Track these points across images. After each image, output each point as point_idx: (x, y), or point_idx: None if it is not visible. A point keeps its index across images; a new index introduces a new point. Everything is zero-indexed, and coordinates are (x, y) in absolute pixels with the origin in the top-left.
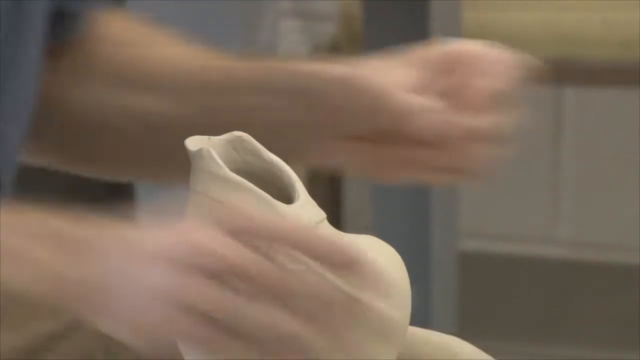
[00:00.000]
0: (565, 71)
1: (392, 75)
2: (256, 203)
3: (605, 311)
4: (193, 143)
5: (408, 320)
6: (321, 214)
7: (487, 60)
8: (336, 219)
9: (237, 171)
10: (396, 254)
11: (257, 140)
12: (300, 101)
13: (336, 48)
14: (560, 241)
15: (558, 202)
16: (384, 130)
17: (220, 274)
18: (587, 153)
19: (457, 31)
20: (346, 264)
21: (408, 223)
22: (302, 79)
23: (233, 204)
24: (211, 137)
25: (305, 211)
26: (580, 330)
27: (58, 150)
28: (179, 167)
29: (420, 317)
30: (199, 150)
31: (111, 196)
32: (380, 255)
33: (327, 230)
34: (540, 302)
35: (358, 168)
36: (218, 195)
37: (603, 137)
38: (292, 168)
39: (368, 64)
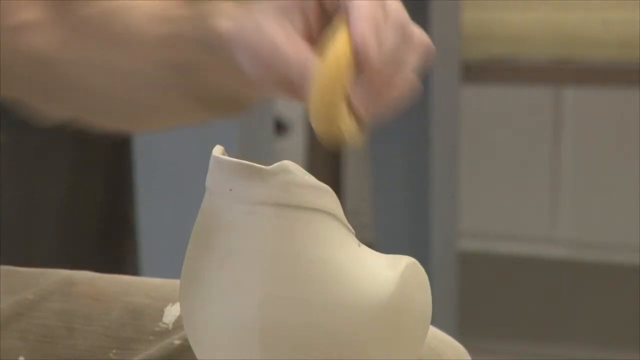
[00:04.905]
0: (565, 71)
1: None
2: (337, 206)
3: (605, 311)
4: (223, 154)
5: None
6: None
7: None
8: None
9: None
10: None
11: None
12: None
13: None
14: (560, 241)
15: (558, 202)
16: None
17: None
18: (587, 153)
19: (457, 31)
20: None
21: (408, 223)
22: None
23: None
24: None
25: None
26: (581, 330)
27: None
28: None
29: None
30: (283, 164)
31: (111, 195)
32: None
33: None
34: (540, 302)
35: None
36: (306, 203)
37: (603, 137)
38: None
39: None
